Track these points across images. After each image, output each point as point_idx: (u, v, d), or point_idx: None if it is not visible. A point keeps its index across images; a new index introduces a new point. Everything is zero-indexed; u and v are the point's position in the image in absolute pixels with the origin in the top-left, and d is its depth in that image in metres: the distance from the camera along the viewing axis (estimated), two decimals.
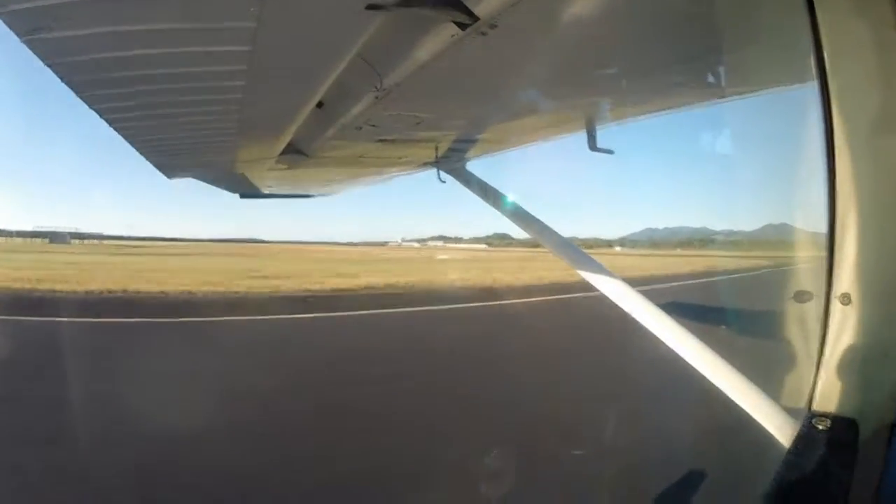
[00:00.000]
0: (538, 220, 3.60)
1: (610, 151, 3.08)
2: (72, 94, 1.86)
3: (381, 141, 3.29)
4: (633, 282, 3.28)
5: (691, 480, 3.01)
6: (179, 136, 2.68)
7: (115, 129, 2.39)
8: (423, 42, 1.79)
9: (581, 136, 3.12)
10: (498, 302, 20.39)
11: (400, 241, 63.16)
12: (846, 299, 1.42)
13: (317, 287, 21.98)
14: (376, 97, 2.30)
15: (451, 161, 3.92)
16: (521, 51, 1.94)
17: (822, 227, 1.46)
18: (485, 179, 3.84)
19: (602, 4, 1.63)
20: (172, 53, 1.69)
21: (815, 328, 1.52)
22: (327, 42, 1.70)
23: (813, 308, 1.54)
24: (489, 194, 3.77)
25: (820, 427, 1.42)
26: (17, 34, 1.41)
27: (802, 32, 1.36)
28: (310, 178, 4.96)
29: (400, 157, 3.97)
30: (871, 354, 1.41)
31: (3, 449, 6.20)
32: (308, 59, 1.84)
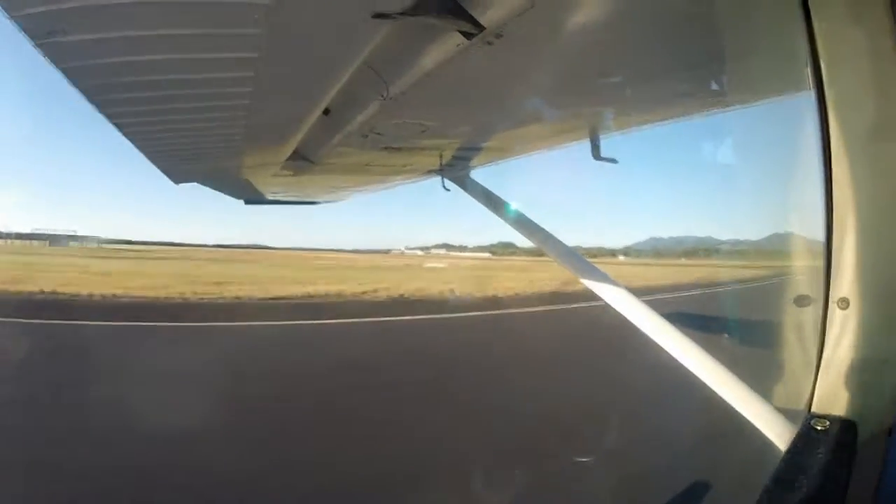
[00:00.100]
0: (542, 229, 3.61)
1: (613, 160, 3.10)
2: (72, 98, 1.89)
3: (386, 149, 3.32)
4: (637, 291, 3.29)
5: (691, 482, 3.01)
6: (187, 142, 2.70)
7: (124, 133, 2.42)
8: (428, 51, 1.82)
9: (585, 145, 3.15)
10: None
11: (403, 248, 62.86)
12: (844, 304, 1.44)
13: (256, 295, 21.06)
14: (382, 105, 2.32)
15: (456, 169, 3.94)
16: (526, 60, 1.97)
17: (822, 234, 1.48)
18: (489, 188, 3.86)
19: (604, 16, 1.66)
20: (182, 59, 1.72)
21: (814, 332, 1.53)
22: (334, 50, 1.72)
23: (813, 313, 1.56)
24: (493, 203, 3.78)
25: (819, 429, 1.44)
26: (31, 38, 1.44)
27: (799, 42, 1.39)
28: (314, 185, 4.98)
29: (404, 165, 3.99)
30: (869, 358, 1.42)
31: None
32: (315, 67, 1.87)
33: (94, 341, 12.84)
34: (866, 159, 1.36)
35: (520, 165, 4.14)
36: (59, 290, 19.09)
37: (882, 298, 1.41)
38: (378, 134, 2.91)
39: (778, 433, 1.80)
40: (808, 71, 1.40)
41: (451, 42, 1.71)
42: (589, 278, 3.35)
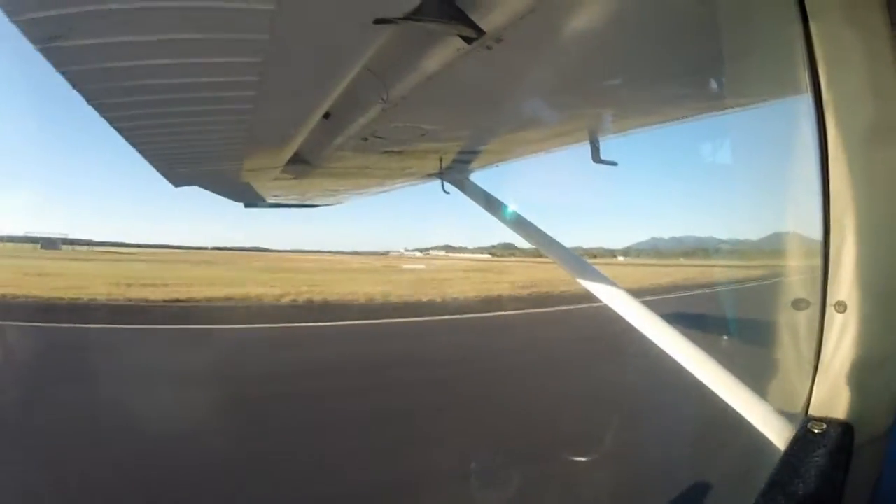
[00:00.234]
0: (542, 231, 3.62)
1: (613, 163, 3.11)
2: (72, 101, 1.89)
3: (386, 152, 3.33)
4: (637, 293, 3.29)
5: (688, 484, 3.02)
6: (188, 145, 2.71)
7: (125, 136, 2.41)
8: (429, 55, 1.83)
9: (584, 148, 3.16)
10: None
11: (402, 250, 62.74)
12: (841, 307, 1.44)
13: (150, 297, 18.95)
14: (383, 109, 2.33)
15: (455, 172, 3.95)
16: (526, 64, 1.98)
17: (819, 237, 1.49)
18: (489, 190, 3.87)
19: (603, 20, 1.67)
20: (185, 64, 1.73)
21: (812, 335, 1.54)
22: (336, 54, 1.73)
23: (810, 316, 1.57)
24: (493, 205, 3.79)
25: (816, 432, 1.44)
26: (34, 42, 1.45)
27: (797, 46, 1.40)
28: (315, 188, 4.99)
29: (405, 169, 4.01)
30: (867, 361, 1.43)
31: None
32: (317, 72, 1.88)
33: None
34: (863, 162, 1.37)
35: (520, 168, 4.15)
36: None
37: (879, 302, 1.42)
38: (378, 137, 2.92)
39: (775, 435, 1.81)
40: (806, 74, 1.41)
41: (451, 46, 1.73)
42: (587, 279, 3.36)
